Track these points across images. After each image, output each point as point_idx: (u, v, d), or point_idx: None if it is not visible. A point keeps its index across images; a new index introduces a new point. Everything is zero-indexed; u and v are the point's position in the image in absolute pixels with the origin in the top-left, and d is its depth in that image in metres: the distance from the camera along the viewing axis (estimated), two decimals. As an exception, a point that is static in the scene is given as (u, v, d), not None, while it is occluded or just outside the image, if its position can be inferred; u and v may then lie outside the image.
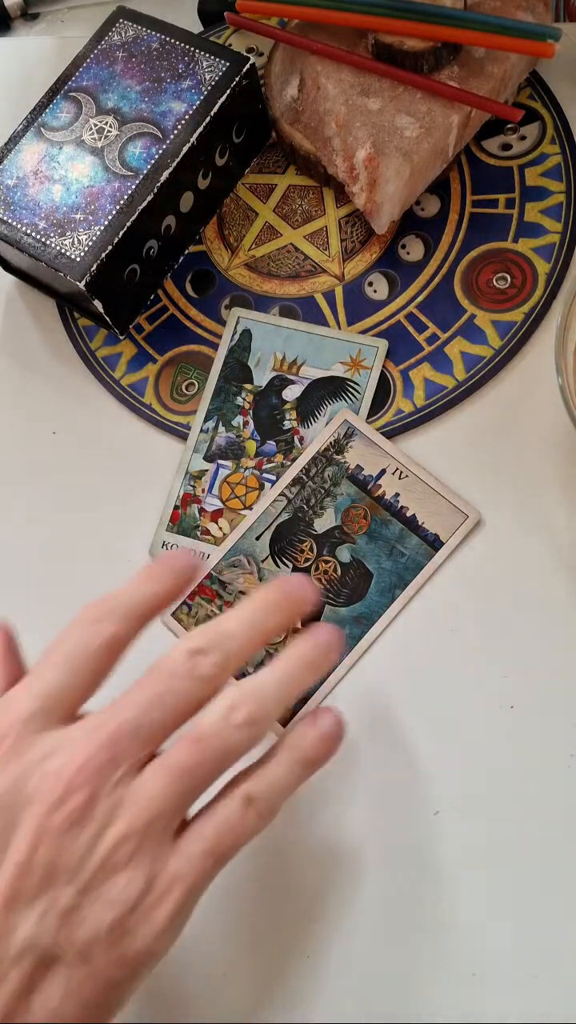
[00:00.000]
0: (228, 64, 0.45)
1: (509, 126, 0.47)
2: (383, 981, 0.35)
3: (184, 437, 0.45)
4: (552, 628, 0.38)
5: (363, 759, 0.38)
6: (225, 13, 0.49)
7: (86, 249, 0.42)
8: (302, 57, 0.46)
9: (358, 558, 0.40)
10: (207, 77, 0.45)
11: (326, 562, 0.40)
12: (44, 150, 0.45)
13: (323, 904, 0.36)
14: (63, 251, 0.43)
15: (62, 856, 0.26)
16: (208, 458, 0.44)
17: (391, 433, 0.43)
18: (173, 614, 0.41)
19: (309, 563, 0.39)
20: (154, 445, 0.45)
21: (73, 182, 0.44)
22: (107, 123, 0.45)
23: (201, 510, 0.43)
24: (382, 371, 0.44)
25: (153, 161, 0.44)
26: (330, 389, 0.43)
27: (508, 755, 0.37)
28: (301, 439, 0.43)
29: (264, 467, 0.43)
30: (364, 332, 0.45)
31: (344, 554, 0.40)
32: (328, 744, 0.30)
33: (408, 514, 0.39)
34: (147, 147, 0.44)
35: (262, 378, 0.45)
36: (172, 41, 0.46)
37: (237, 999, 0.36)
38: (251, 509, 0.42)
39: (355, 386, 0.43)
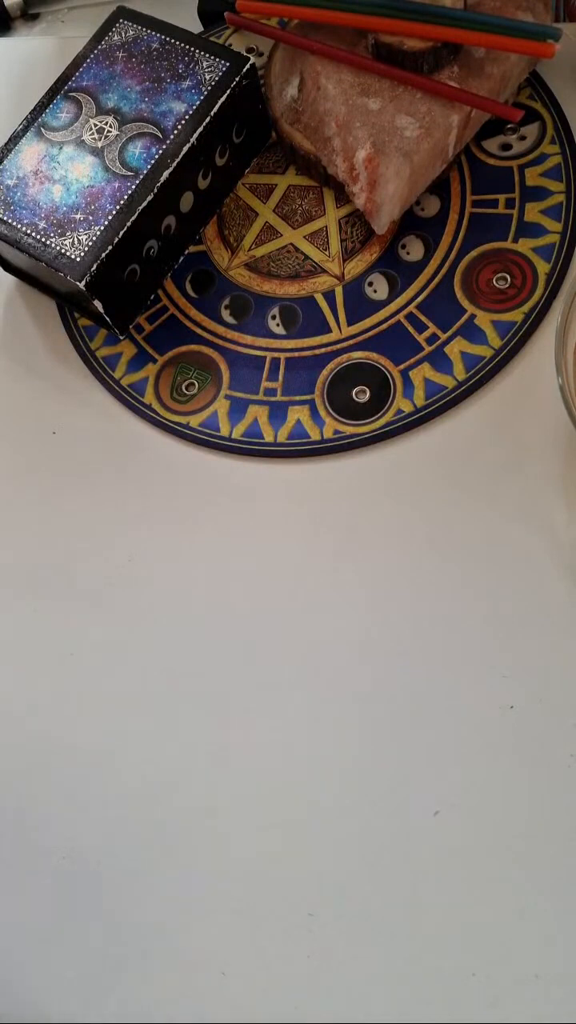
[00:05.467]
0: (228, 64, 0.45)
1: (509, 126, 0.47)
2: (383, 981, 0.35)
3: (184, 437, 0.45)
4: (552, 628, 0.38)
5: (363, 759, 0.38)
6: (225, 13, 0.49)
7: (86, 249, 0.42)
8: (302, 57, 0.46)
9: None
10: (207, 77, 0.45)
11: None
12: (44, 150, 0.45)
13: (323, 904, 0.36)
14: (63, 251, 0.43)
15: None
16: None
17: (391, 433, 0.43)
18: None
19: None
20: (154, 445, 0.45)
21: (73, 182, 0.44)
22: (107, 123, 0.45)
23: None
24: (382, 370, 0.44)
25: (153, 161, 0.44)
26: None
27: (508, 755, 0.37)
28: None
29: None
30: (364, 332, 0.45)
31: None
32: None
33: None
34: (147, 147, 0.44)
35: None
36: (172, 41, 0.46)
37: (237, 999, 0.36)
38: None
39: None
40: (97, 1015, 0.36)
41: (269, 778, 0.38)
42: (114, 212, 0.43)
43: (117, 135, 0.45)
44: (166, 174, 0.43)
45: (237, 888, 0.37)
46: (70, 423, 0.47)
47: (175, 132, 0.44)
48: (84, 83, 0.46)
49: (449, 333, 0.44)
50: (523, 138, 0.46)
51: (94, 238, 0.43)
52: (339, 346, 0.45)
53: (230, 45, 0.53)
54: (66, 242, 0.43)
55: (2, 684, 0.43)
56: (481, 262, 0.45)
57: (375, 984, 0.35)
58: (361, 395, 0.44)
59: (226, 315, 0.47)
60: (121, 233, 0.43)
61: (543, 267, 0.44)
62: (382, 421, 0.43)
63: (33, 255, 0.43)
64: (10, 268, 0.50)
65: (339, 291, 0.46)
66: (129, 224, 0.43)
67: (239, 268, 0.48)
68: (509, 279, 0.44)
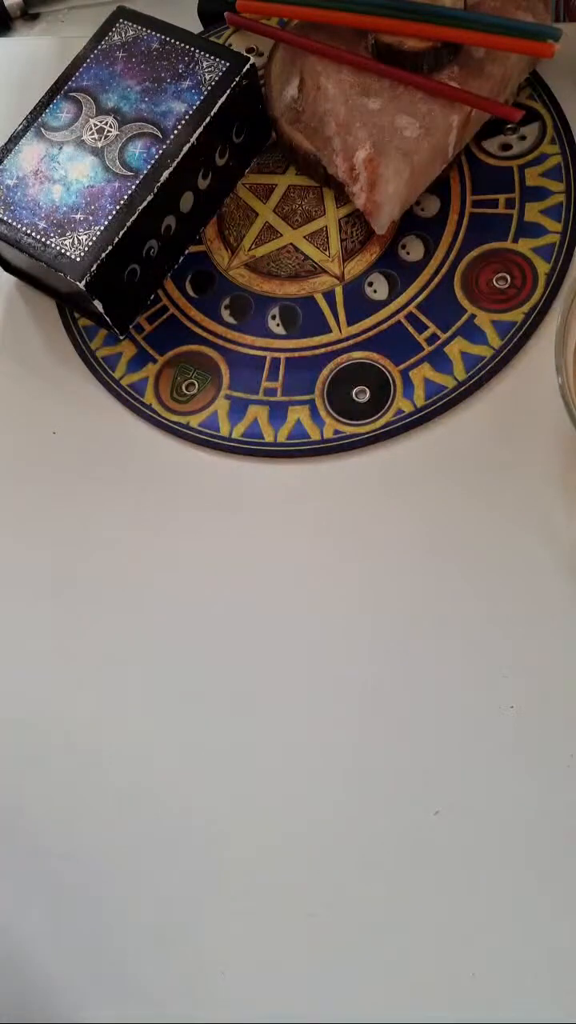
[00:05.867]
0: (228, 64, 0.45)
1: (509, 126, 0.47)
2: (383, 981, 0.35)
3: (184, 437, 0.45)
4: (552, 628, 0.38)
5: (363, 759, 0.38)
6: (225, 13, 0.49)
7: (86, 249, 0.42)
8: (302, 57, 0.46)
9: None
10: (207, 77, 0.45)
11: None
12: (44, 150, 0.45)
13: (323, 904, 0.36)
14: (63, 251, 0.43)
15: None
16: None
17: (391, 433, 0.43)
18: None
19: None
20: (154, 445, 0.45)
21: (73, 182, 0.44)
22: (107, 123, 0.45)
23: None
24: (382, 370, 0.44)
25: (153, 161, 0.44)
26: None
27: (508, 755, 0.37)
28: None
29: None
30: (364, 332, 0.45)
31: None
32: None
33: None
34: (147, 147, 0.44)
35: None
36: (172, 41, 0.46)
37: (237, 999, 0.36)
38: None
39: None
40: (97, 1015, 0.36)
41: (269, 778, 0.38)
42: (114, 212, 0.43)
43: (117, 135, 0.45)
44: (166, 174, 0.43)
45: (237, 888, 0.37)
46: (70, 423, 0.47)
47: (175, 132, 0.44)
48: (84, 83, 0.46)
49: (449, 333, 0.44)
50: (523, 138, 0.46)
51: (94, 238, 0.43)
52: (339, 346, 0.45)
53: (230, 45, 0.53)
54: (66, 242, 0.43)
55: (2, 684, 0.43)
56: (481, 262, 0.45)
57: (375, 984, 0.35)
58: (361, 395, 0.44)
59: (226, 315, 0.47)
60: (121, 233, 0.43)
61: (543, 267, 0.44)
62: (382, 421, 0.43)
63: (33, 255, 0.43)
64: (10, 268, 0.50)
65: (339, 291, 0.46)
66: (129, 224, 0.43)
67: (239, 268, 0.48)
68: (509, 279, 0.44)
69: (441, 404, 0.42)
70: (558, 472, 0.40)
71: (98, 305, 0.44)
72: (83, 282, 0.42)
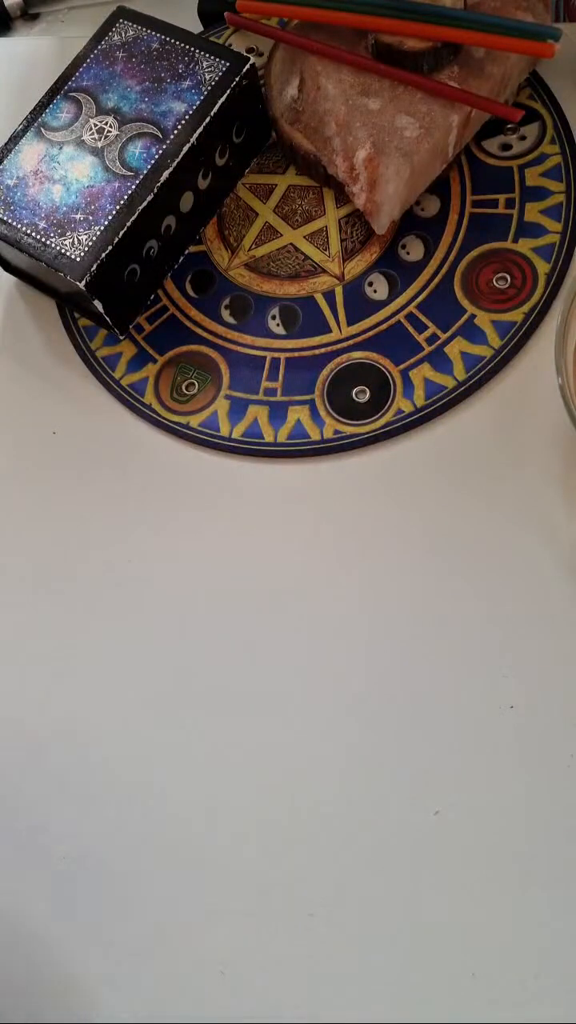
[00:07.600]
0: (228, 64, 0.45)
1: (509, 126, 0.47)
2: (383, 981, 0.35)
3: (184, 437, 0.45)
4: (552, 628, 0.38)
5: (363, 759, 0.38)
6: (225, 13, 0.49)
7: (86, 249, 0.42)
8: (302, 57, 0.46)
9: None
10: (207, 77, 0.45)
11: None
12: (44, 150, 0.45)
13: (323, 904, 0.36)
14: (63, 251, 0.43)
15: None
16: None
17: (391, 433, 0.43)
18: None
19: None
20: (154, 445, 0.45)
21: (73, 182, 0.44)
22: (107, 123, 0.45)
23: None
24: (382, 370, 0.44)
25: (153, 161, 0.44)
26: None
27: (508, 755, 0.37)
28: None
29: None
30: (364, 332, 0.45)
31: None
32: None
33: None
34: (147, 147, 0.44)
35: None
36: (172, 41, 0.46)
37: (237, 999, 0.36)
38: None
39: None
40: (96, 1015, 0.36)
41: (269, 778, 0.38)
42: (114, 212, 0.43)
43: (117, 135, 0.45)
44: (166, 174, 0.43)
45: (237, 888, 0.37)
46: (70, 423, 0.47)
47: (175, 132, 0.44)
48: (84, 83, 0.46)
49: (449, 333, 0.44)
50: (523, 138, 0.46)
51: (94, 238, 0.43)
52: (339, 346, 0.45)
53: (230, 45, 0.53)
54: (66, 242, 0.43)
55: (2, 684, 0.43)
56: (481, 262, 0.45)
57: (375, 984, 0.35)
58: (361, 395, 0.44)
59: (226, 315, 0.47)
60: (121, 233, 0.43)
61: (543, 267, 0.44)
62: (382, 421, 0.43)
63: (33, 255, 0.43)
64: (10, 268, 0.50)
65: (339, 291, 0.46)
66: (129, 224, 0.43)
67: (239, 268, 0.48)
68: (509, 279, 0.44)
69: (441, 404, 0.42)
70: (558, 472, 0.40)
71: (98, 305, 0.44)
72: (83, 282, 0.42)
